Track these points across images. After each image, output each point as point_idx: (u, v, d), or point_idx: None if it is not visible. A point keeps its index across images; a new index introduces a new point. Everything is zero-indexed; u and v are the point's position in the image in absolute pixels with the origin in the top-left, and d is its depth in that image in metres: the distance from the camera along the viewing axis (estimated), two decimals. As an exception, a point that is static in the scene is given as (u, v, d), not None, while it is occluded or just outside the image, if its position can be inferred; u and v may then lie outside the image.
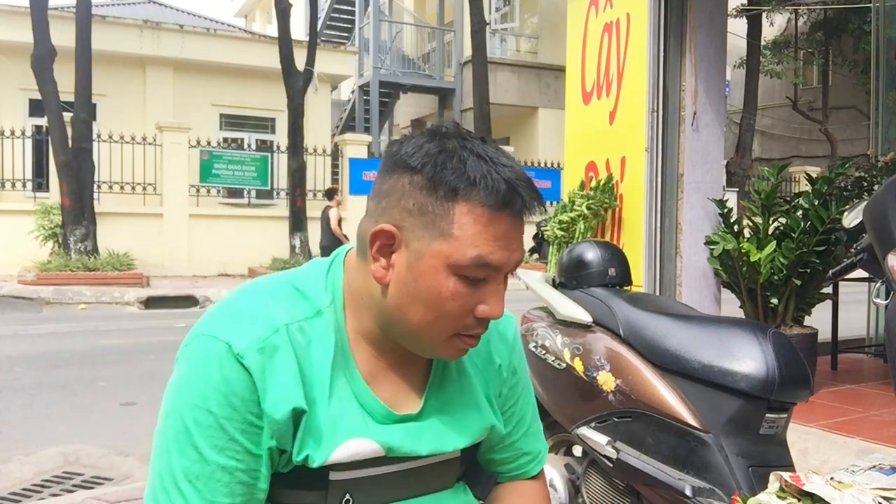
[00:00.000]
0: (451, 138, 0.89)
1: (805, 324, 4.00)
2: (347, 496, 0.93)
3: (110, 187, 12.66)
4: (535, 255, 13.56)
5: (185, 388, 0.88)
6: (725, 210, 3.78)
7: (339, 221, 10.79)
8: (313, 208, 13.36)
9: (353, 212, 12.60)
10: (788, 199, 3.98)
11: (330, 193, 11.28)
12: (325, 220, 10.86)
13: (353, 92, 18.65)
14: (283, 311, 0.92)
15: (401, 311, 0.90)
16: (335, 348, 0.93)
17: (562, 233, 4.03)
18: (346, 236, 10.62)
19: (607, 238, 3.99)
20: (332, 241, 10.54)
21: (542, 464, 1.15)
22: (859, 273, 2.79)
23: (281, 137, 14.58)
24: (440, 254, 0.86)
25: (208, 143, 13.35)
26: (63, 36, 11.05)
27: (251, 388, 0.86)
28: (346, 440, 0.90)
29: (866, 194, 4.07)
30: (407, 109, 20.72)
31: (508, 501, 1.10)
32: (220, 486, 0.87)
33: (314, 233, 12.86)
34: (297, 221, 12.86)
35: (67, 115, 10.80)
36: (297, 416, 0.89)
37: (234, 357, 0.86)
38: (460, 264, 0.86)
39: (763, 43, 17.54)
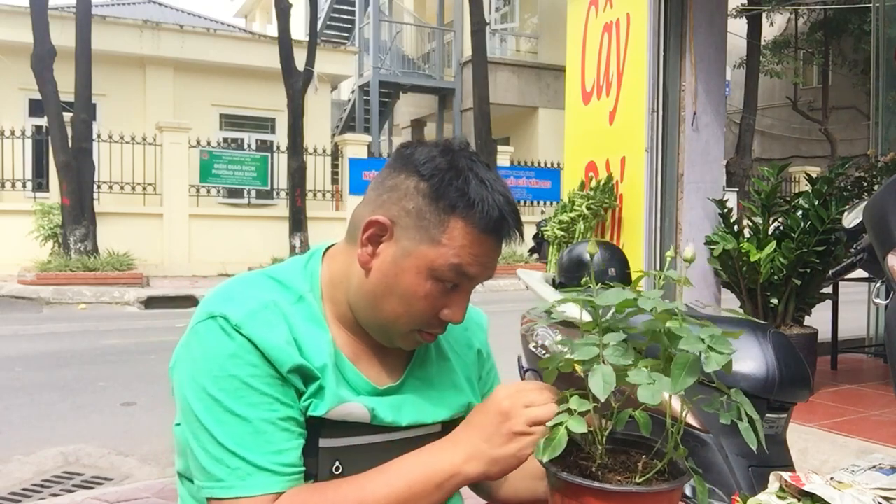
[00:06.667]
0: (461, 157, 0.97)
1: (805, 324, 4.00)
2: (337, 463, 0.97)
3: (110, 187, 12.66)
4: (535, 255, 13.55)
5: (200, 365, 0.93)
6: (725, 210, 3.78)
7: None
8: (313, 208, 13.36)
9: (352, 212, 12.61)
10: (788, 199, 3.98)
11: None
12: None
13: (353, 92, 18.65)
14: (268, 293, 0.98)
15: (375, 298, 0.97)
16: (321, 330, 0.99)
17: (562, 233, 4.03)
18: None
19: (607, 238, 3.99)
20: None
21: None
22: (859, 273, 2.79)
23: (281, 137, 14.58)
24: (425, 257, 0.94)
25: (208, 143, 13.35)
26: (63, 36, 11.04)
27: (256, 352, 0.92)
28: (339, 403, 0.96)
29: (866, 194, 4.07)
30: (407, 109, 20.71)
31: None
32: (268, 437, 0.90)
33: (314, 233, 12.87)
34: (297, 221, 12.85)
35: (67, 115, 10.78)
36: (303, 375, 0.94)
37: (234, 328, 0.92)
38: (440, 269, 0.94)
39: (763, 43, 17.53)
